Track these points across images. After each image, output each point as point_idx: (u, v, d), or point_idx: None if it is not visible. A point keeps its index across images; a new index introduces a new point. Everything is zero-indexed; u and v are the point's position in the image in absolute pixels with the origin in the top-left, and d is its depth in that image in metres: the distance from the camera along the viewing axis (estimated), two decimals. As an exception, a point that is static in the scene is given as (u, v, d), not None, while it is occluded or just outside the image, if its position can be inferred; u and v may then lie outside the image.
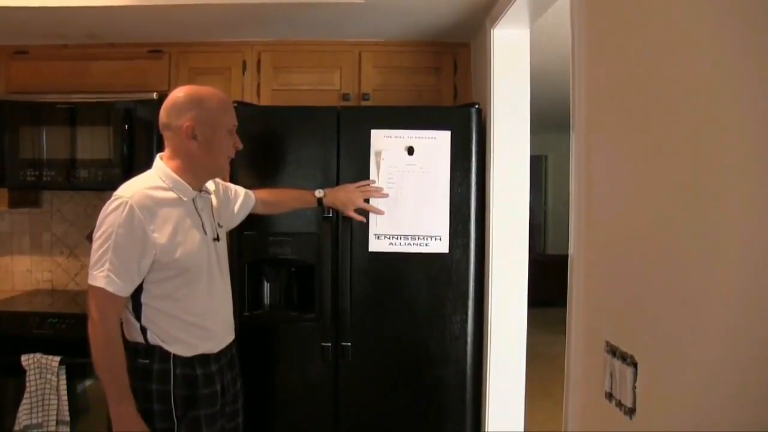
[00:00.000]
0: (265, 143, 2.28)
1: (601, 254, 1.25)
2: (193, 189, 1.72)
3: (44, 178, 2.63)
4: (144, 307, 1.65)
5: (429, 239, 2.24)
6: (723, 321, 0.79)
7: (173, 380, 1.64)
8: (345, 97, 2.66)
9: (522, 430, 2.37)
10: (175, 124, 1.67)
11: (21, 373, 2.33)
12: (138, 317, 1.65)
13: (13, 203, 2.82)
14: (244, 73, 2.70)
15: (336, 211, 2.22)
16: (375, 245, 2.25)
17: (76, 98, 2.62)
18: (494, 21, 2.21)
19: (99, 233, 1.59)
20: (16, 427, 2.32)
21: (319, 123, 2.26)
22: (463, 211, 2.25)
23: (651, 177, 0.99)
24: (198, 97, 1.68)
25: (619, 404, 1.07)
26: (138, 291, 1.63)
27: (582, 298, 1.35)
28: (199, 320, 1.69)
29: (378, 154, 2.23)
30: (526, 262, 2.32)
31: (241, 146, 1.78)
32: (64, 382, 2.33)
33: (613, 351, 1.10)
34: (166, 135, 1.70)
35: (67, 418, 2.34)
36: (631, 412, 1.03)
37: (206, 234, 1.73)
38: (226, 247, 1.90)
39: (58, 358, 2.33)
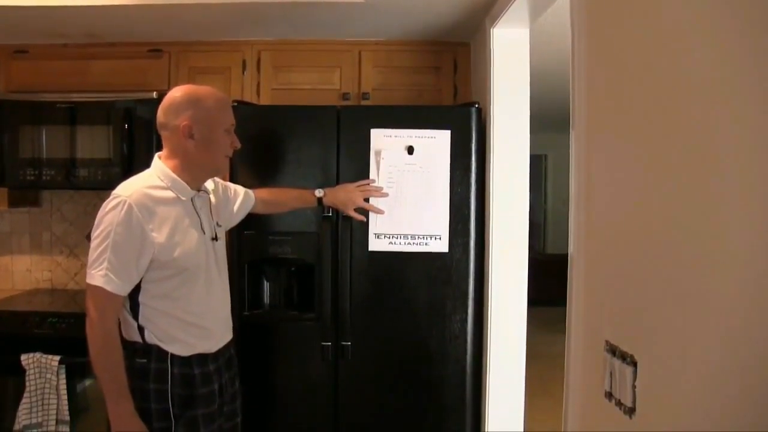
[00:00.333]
0: (265, 143, 2.28)
1: (600, 253, 1.25)
2: (192, 188, 1.72)
3: (44, 178, 2.63)
4: (142, 306, 1.65)
5: (429, 238, 2.24)
6: (723, 320, 0.79)
7: (171, 379, 1.64)
8: (345, 96, 2.66)
9: (522, 429, 2.37)
10: (172, 124, 1.67)
11: (21, 372, 2.33)
12: (136, 316, 1.65)
13: (13, 203, 2.82)
14: (243, 73, 2.70)
15: (336, 211, 2.22)
16: (375, 244, 2.25)
17: (75, 97, 2.62)
18: (494, 20, 2.21)
19: (97, 232, 1.59)
20: (16, 427, 2.32)
21: (318, 122, 2.26)
22: (462, 211, 2.25)
23: (651, 176, 0.99)
24: (195, 96, 1.68)
25: (619, 404, 1.07)
26: (136, 290, 1.63)
27: (582, 297, 1.35)
28: (198, 319, 1.69)
29: (378, 153, 2.23)
30: (525, 261, 2.32)
31: (239, 145, 1.78)
32: (64, 381, 2.33)
33: (613, 350, 1.11)
34: (164, 134, 1.70)
35: (67, 418, 2.34)
36: (630, 411, 1.03)
37: (204, 233, 1.73)
38: (225, 246, 1.90)
39: (57, 358, 2.33)
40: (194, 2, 2.23)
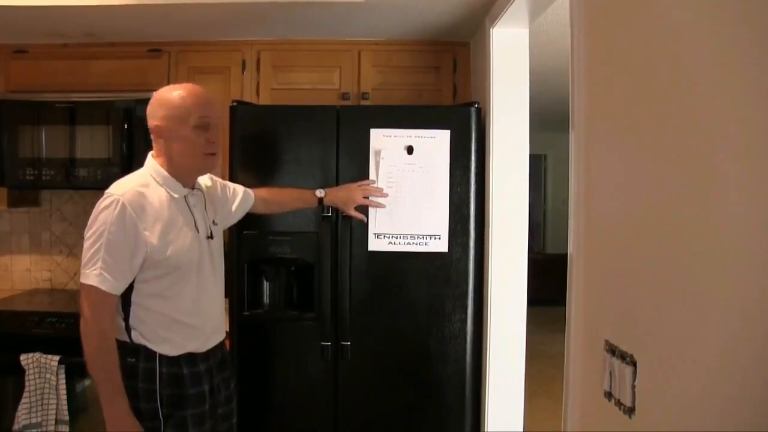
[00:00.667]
0: (265, 142, 2.28)
1: (600, 253, 1.25)
2: (184, 186, 1.71)
3: (43, 178, 2.63)
4: (133, 305, 1.64)
5: (428, 238, 2.24)
6: (722, 320, 0.79)
7: (159, 379, 1.63)
8: (344, 96, 2.66)
9: (521, 428, 2.37)
10: (151, 125, 1.68)
11: (20, 372, 2.32)
12: (126, 317, 1.65)
13: (13, 202, 2.82)
14: (243, 73, 2.70)
15: (336, 211, 2.22)
16: (374, 244, 2.25)
17: (75, 97, 2.62)
18: (494, 20, 2.21)
19: (91, 232, 1.58)
20: (15, 427, 2.31)
21: (318, 122, 2.26)
22: (462, 210, 2.25)
23: (651, 176, 0.99)
24: (166, 96, 1.68)
25: (619, 403, 1.07)
26: (128, 289, 1.63)
27: (581, 297, 1.35)
28: (188, 318, 1.68)
29: (377, 153, 2.23)
30: (525, 260, 2.32)
31: (215, 141, 1.70)
32: (64, 381, 2.33)
33: (613, 350, 1.11)
34: (152, 135, 1.72)
35: (66, 418, 2.34)
36: (630, 411, 1.03)
37: (198, 231, 1.72)
38: (222, 245, 1.89)
39: (57, 358, 2.33)
40: (194, 2, 2.23)
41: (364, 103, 2.64)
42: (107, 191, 1.62)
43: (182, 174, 1.71)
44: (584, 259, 1.33)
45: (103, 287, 1.55)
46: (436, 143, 2.23)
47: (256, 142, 2.27)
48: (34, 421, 2.32)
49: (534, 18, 2.18)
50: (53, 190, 2.98)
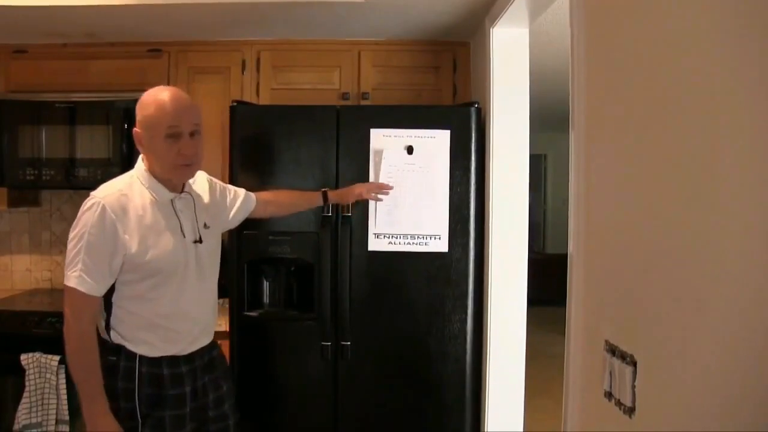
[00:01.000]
0: (265, 143, 2.28)
1: (600, 253, 1.25)
2: (171, 190, 1.70)
3: (43, 177, 2.63)
4: (114, 306, 1.65)
5: (428, 238, 2.24)
6: (722, 320, 0.79)
7: (138, 378, 1.63)
8: (344, 96, 2.66)
9: (521, 428, 2.37)
10: (133, 129, 1.68)
11: (20, 372, 2.32)
12: (108, 316, 1.66)
13: (13, 202, 2.82)
14: (243, 73, 2.70)
15: (336, 211, 2.22)
16: (374, 244, 2.25)
17: (75, 97, 2.62)
18: (494, 20, 2.21)
19: (73, 234, 1.60)
20: (16, 426, 2.31)
21: (318, 122, 2.26)
22: (462, 210, 2.25)
23: (650, 176, 0.99)
24: (144, 101, 1.66)
25: (619, 403, 1.07)
26: (110, 291, 1.64)
27: (581, 297, 1.35)
28: (165, 321, 1.67)
29: (377, 153, 2.23)
30: (525, 260, 2.32)
31: (188, 152, 1.63)
32: (64, 381, 2.33)
33: (613, 350, 1.11)
34: None
35: (67, 418, 2.34)
36: (630, 411, 1.03)
37: (185, 236, 1.70)
38: (217, 248, 1.86)
39: (57, 358, 2.33)
40: (194, 2, 2.23)
41: (364, 103, 2.64)
42: (91, 193, 1.63)
43: (164, 179, 1.69)
44: (584, 258, 1.33)
45: (82, 289, 1.56)
46: (436, 143, 2.23)
47: (256, 142, 2.27)
48: (34, 420, 2.32)
49: (534, 18, 2.18)
50: (53, 190, 2.98)
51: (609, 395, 1.12)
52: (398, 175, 2.23)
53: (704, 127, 0.83)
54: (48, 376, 2.33)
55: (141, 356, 1.64)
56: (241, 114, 2.29)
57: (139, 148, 1.68)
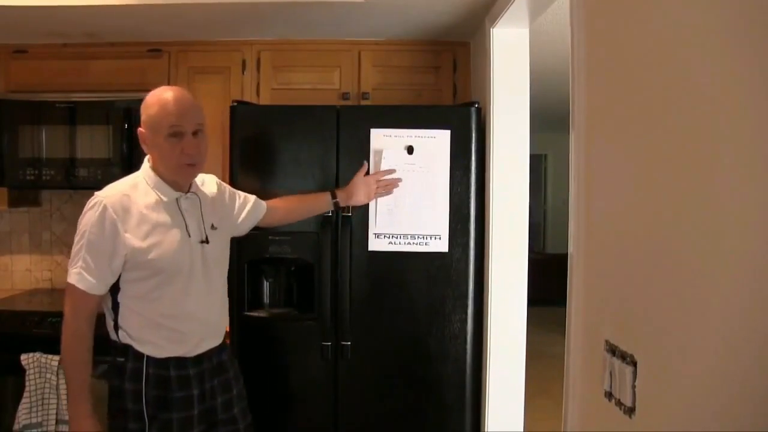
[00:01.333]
0: (265, 143, 2.28)
1: (600, 253, 1.25)
2: (176, 190, 1.70)
3: (44, 177, 2.63)
4: (120, 306, 1.66)
5: (428, 238, 2.24)
6: (723, 320, 0.79)
7: (145, 380, 1.63)
8: (344, 96, 2.66)
9: (521, 429, 2.37)
10: (138, 129, 1.69)
11: (20, 372, 2.32)
12: (114, 316, 1.67)
13: (13, 202, 2.82)
14: (243, 73, 2.70)
15: (336, 211, 2.21)
16: (374, 244, 2.25)
17: (75, 97, 2.62)
18: (494, 20, 2.21)
19: (77, 232, 1.62)
20: (16, 426, 2.31)
21: (318, 122, 2.26)
22: (462, 210, 2.25)
23: (651, 175, 0.99)
24: (148, 100, 1.67)
25: (619, 403, 1.07)
26: (116, 290, 1.65)
27: (581, 297, 1.35)
28: (170, 322, 1.67)
29: (378, 153, 2.23)
30: (525, 260, 2.32)
31: (192, 151, 1.64)
32: (64, 381, 2.33)
33: (613, 350, 1.11)
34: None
35: (67, 418, 2.31)
36: (630, 411, 1.03)
37: (190, 236, 1.70)
38: (225, 250, 1.87)
39: (57, 357, 2.33)
40: (194, 2, 2.23)
41: (364, 103, 2.64)
42: (95, 193, 1.65)
43: (169, 179, 1.70)
44: (584, 258, 1.33)
45: (80, 286, 1.58)
46: (436, 143, 2.23)
47: (256, 142, 2.27)
48: (34, 420, 2.32)
49: (534, 18, 2.18)
50: (53, 190, 2.98)
51: (609, 395, 1.12)
52: (398, 175, 2.23)
53: (704, 127, 0.83)
54: (48, 376, 2.33)
55: (148, 357, 1.64)
56: (241, 114, 2.29)
57: (144, 147, 1.70)
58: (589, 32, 1.31)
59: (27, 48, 2.74)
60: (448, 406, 2.29)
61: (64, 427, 2.34)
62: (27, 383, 2.32)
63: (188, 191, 1.74)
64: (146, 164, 1.72)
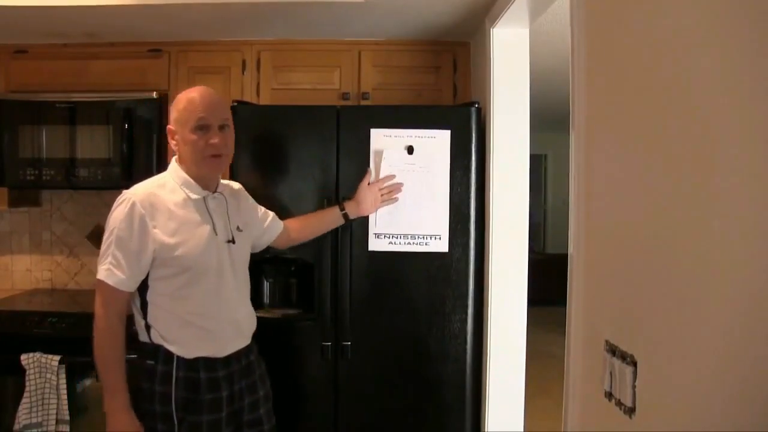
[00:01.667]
0: (265, 142, 2.28)
1: (600, 253, 1.25)
2: (203, 188, 1.73)
3: (44, 177, 2.64)
4: (149, 305, 1.67)
5: (429, 238, 2.24)
6: (723, 320, 0.79)
7: (174, 382, 1.64)
8: (344, 96, 2.66)
9: (522, 429, 2.37)
10: (168, 128, 1.75)
11: (21, 372, 2.33)
12: (144, 315, 1.68)
13: (13, 202, 2.82)
14: (243, 73, 2.70)
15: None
16: (374, 244, 2.25)
17: (75, 97, 2.63)
18: (494, 20, 2.21)
19: (106, 229, 1.65)
20: (16, 426, 2.32)
21: (318, 122, 2.26)
22: (462, 210, 2.25)
23: (651, 176, 0.99)
24: (176, 100, 1.74)
25: (619, 403, 1.07)
26: (145, 289, 1.66)
27: (581, 297, 1.35)
28: (199, 320, 1.68)
29: (378, 153, 2.23)
30: (525, 260, 2.32)
31: (217, 143, 1.69)
32: (64, 381, 2.33)
33: (613, 350, 1.11)
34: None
35: (67, 418, 2.34)
36: (630, 411, 1.03)
37: (217, 235, 1.73)
38: (248, 252, 1.90)
39: (57, 357, 2.33)
40: (194, 2, 2.23)
41: (364, 103, 2.64)
42: (123, 191, 1.68)
43: (197, 176, 1.73)
44: (584, 258, 1.33)
45: (110, 282, 1.60)
46: (436, 143, 2.23)
47: (257, 142, 2.27)
48: (34, 420, 2.32)
49: (534, 18, 2.18)
50: (53, 190, 2.98)
51: (609, 395, 1.12)
52: (398, 175, 2.23)
53: (704, 127, 0.83)
54: (48, 376, 2.33)
55: (178, 359, 1.65)
56: (241, 114, 2.28)
57: (172, 144, 1.74)
58: (589, 32, 1.31)
59: (27, 48, 2.74)
60: (448, 406, 2.29)
61: (65, 427, 2.34)
62: (27, 383, 2.32)
63: (215, 191, 1.77)
64: (174, 164, 1.76)
